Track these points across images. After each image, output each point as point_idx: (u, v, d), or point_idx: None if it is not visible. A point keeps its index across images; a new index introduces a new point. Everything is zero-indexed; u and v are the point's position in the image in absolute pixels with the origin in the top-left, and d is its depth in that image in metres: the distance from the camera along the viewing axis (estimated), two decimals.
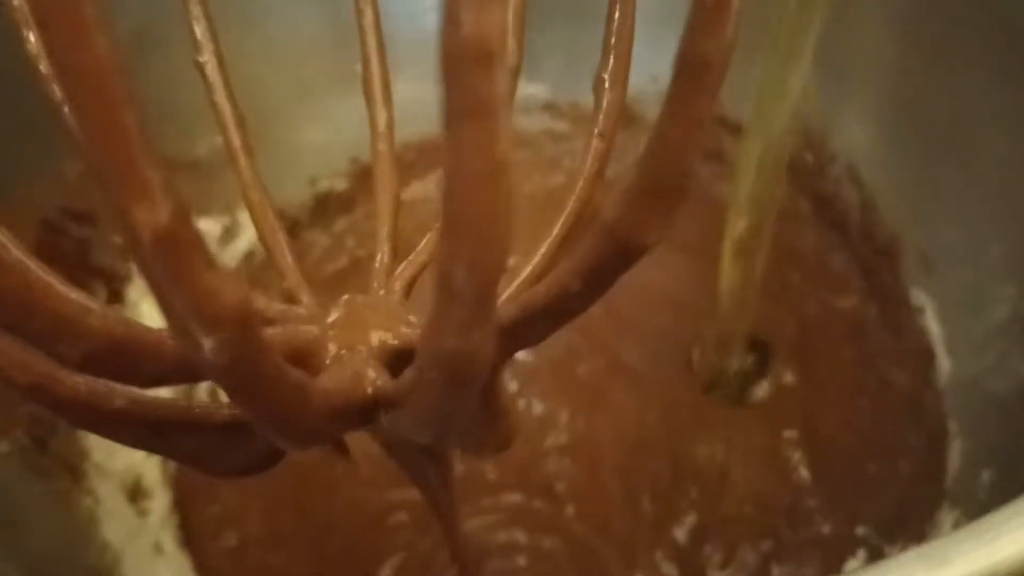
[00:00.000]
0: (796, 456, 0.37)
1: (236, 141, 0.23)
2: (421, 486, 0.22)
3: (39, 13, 0.09)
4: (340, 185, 0.48)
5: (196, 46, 0.24)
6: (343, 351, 0.17)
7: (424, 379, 0.14)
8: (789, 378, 0.40)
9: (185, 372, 0.14)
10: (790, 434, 0.38)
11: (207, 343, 0.11)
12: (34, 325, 0.13)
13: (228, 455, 0.18)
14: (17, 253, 0.14)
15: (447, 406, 0.14)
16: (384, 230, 0.22)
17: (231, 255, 0.44)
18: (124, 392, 0.16)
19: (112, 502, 0.35)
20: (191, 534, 0.37)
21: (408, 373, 0.15)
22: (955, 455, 0.36)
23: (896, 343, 0.39)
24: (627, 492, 0.37)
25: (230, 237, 0.44)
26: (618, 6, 0.20)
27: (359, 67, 0.47)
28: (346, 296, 0.19)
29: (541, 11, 0.47)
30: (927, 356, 0.38)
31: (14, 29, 0.21)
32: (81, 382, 0.15)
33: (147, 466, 0.38)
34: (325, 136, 0.47)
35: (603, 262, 0.14)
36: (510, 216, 0.12)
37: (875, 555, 0.34)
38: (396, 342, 0.17)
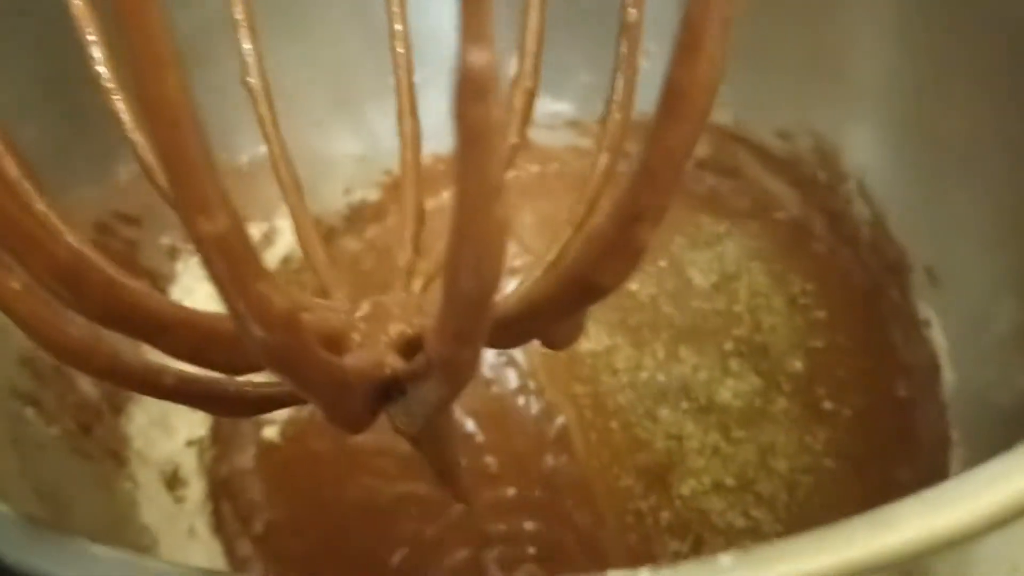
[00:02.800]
0: (803, 460, 0.39)
1: (277, 149, 0.25)
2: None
3: (131, 51, 0.11)
4: (373, 196, 0.50)
5: (244, 67, 0.26)
6: (366, 340, 0.19)
7: (426, 372, 0.17)
8: (798, 385, 0.41)
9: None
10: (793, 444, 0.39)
11: (259, 338, 0.13)
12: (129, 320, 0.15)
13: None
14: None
15: (440, 394, 0.16)
16: (407, 232, 0.24)
17: (269, 259, 0.46)
18: (173, 371, 0.18)
19: (151, 488, 0.37)
20: (222, 521, 0.39)
21: (417, 360, 0.17)
22: (957, 463, 0.37)
23: (902, 355, 0.41)
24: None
25: (268, 243, 0.46)
26: (625, 37, 0.22)
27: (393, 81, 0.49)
28: (372, 297, 0.21)
29: (567, 31, 0.49)
30: (932, 368, 0.39)
31: (82, 47, 0.23)
32: (137, 361, 0.18)
33: (185, 456, 0.40)
34: (361, 148, 0.49)
35: (567, 294, 0.16)
36: (502, 234, 0.13)
37: None
38: (411, 331, 0.19)
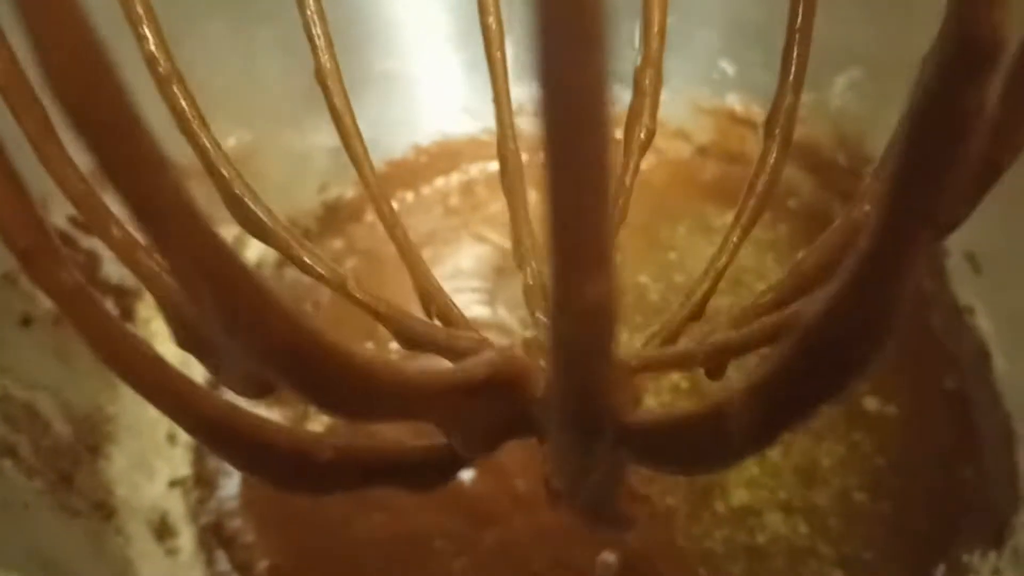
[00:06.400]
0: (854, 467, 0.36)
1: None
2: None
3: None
4: (349, 193, 0.45)
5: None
6: None
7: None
8: None
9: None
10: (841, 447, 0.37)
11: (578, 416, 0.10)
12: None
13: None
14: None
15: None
16: (527, 239, 0.20)
17: None
18: (331, 443, 0.14)
19: (141, 541, 0.32)
20: (219, 573, 0.34)
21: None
22: None
23: (946, 345, 0.39)
24: None
25: (240, 246, 0.41)
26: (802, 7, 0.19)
27: (379, 67, 0.44)
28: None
29: None
30: (981, 357, 0.37)
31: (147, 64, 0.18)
32: (287, 436, 0.13)
33: (170, 500, 0.35)
34: (336, 139, 0.44)
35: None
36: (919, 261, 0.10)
37: (954, 564, 0.33)
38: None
